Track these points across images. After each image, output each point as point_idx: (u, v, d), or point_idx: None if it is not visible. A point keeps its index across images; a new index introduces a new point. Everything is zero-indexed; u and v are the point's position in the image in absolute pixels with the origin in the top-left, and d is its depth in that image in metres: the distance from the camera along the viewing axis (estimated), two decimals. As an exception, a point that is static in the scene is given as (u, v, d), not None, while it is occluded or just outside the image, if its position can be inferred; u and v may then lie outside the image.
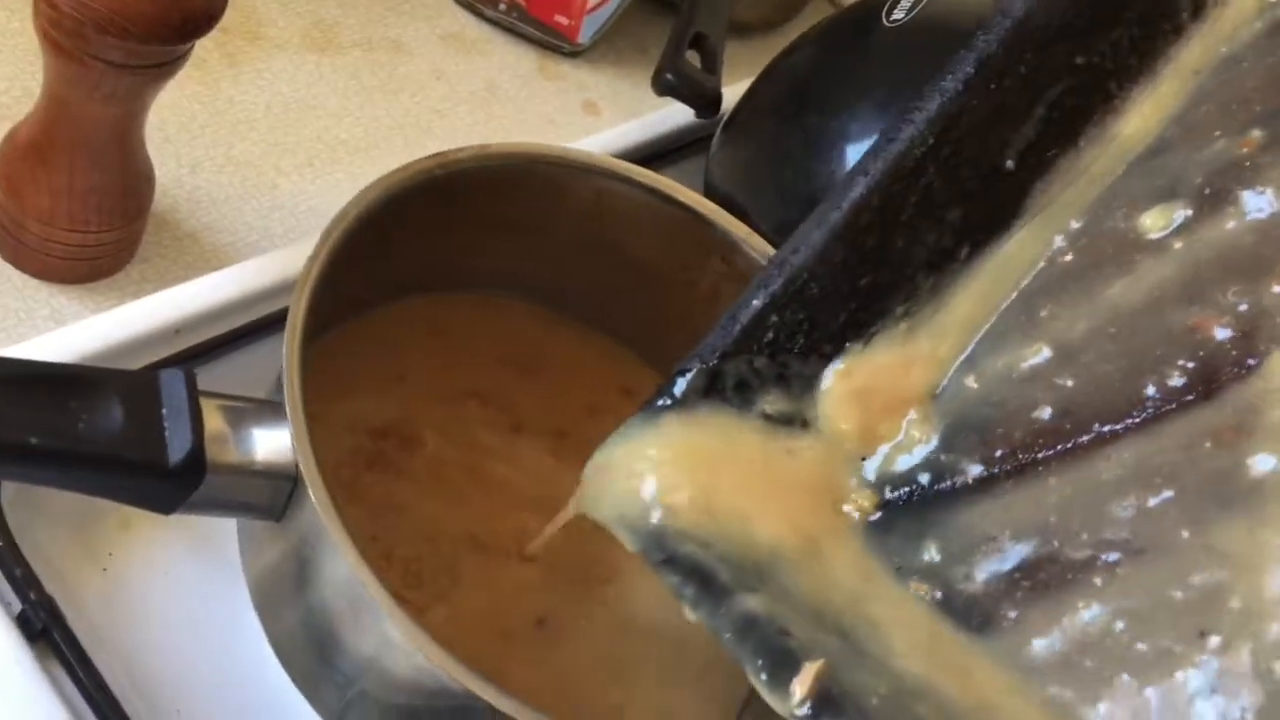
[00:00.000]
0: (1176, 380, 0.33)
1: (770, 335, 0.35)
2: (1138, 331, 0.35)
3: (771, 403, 0.36)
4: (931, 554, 0.34)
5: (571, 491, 0.42)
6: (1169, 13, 0.36)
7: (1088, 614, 0.32)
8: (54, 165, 0.45)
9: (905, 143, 0.35)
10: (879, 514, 0.35)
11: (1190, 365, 0.33)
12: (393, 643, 0.34)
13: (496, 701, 0.32)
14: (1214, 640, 0.30)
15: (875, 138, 0.49)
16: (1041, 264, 0.36)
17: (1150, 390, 0.34)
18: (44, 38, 0.41)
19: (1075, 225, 0.36)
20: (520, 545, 0.43)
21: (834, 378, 0.36)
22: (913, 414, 0.36)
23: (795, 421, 0.36)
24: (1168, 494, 0.32)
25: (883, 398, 0.36)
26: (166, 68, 0.42)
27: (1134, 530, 0.32)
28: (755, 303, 0.36)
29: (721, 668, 0.44)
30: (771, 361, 0.36)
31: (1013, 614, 0.33)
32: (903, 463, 0.36)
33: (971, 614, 0.33)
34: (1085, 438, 0.34)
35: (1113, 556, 0.32)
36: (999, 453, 0.35)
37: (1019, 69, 0.35)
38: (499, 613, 0.42)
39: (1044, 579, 0.33)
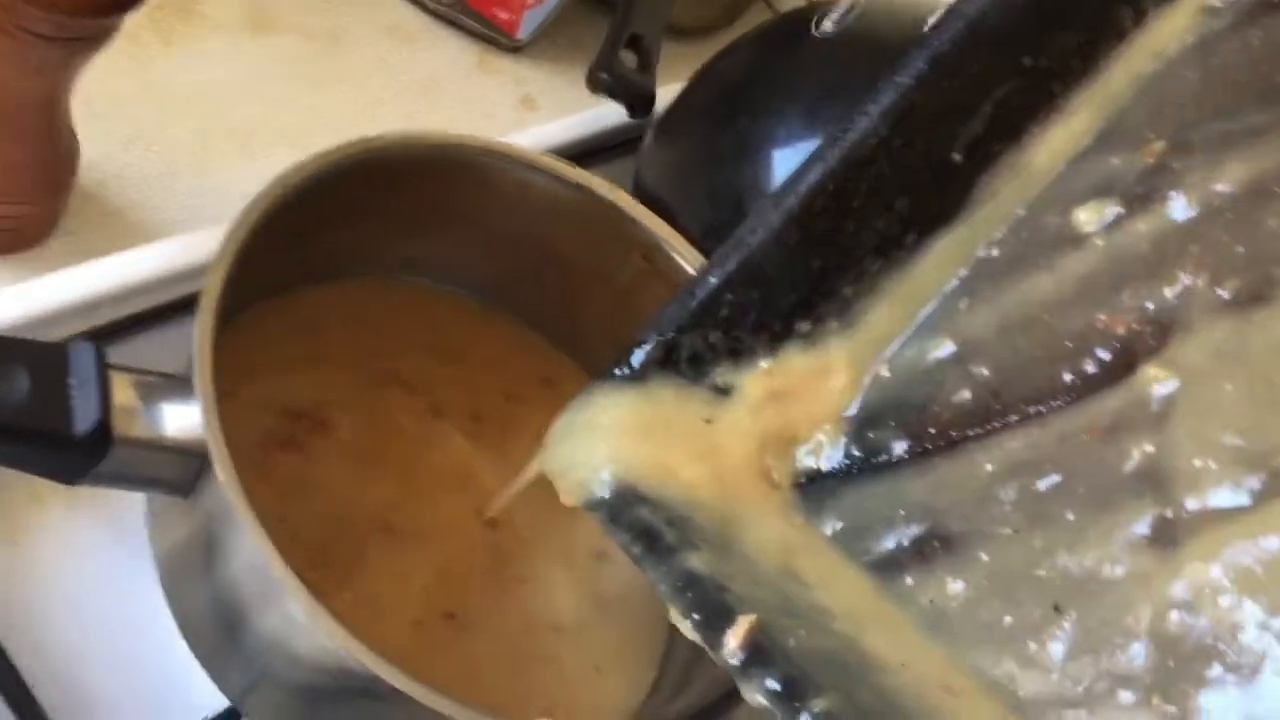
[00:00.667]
0: (1070, 376, 0.35)
1: (725, 311, 0.37)
2: (1045, 326, 0.37)
3: (722, 375, 0.37)
4: (842, 524, 0.37)
5: (489, 472, 0.43)
6: (1113, 20, 0.38)
7: (959, 584, 0.35)
8: (-24, 135, 0.45)
9: (860, 133, 0.37)
10: (806, 485, 0.37)
11: (1089, 362, 0.35)
12: (296, 622, 0.34)
13: (396, 681, 0.32)
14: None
15: (801, 144, 0.51)
16: (971, 263, 0.38)
17: (1046, 384, 0.36)
18: (-32, 8, 0.41)
19: (1012, 220, 0.38)
20: (432, 530, 0.43)
21: (758, 377, 0.37)
22: (825, 422, 0.38)
23: (743, 394, 0.38)
24: (1054, 479, 0.35)
25: (798, 402, 0.38)
26: (93, 41, 0.42)
27: (1016, 512, 0.35)
28: (712, 280, 0.37)
29: (627, 663, 0.45)
30: (725, 336, 0.37)
31: (909, 580, 0.36)
32: (815, 458, 0.38)
33: (889, 576, 0.36)
34: (986, 426, 0.36)
35: (996, 532, 0.35)
36: (905, 439, 0.37)
37: (970, 68, 0.37)
38: (406, 601, 0.42)
39: (930, 552, 0.35)
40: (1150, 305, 0.35)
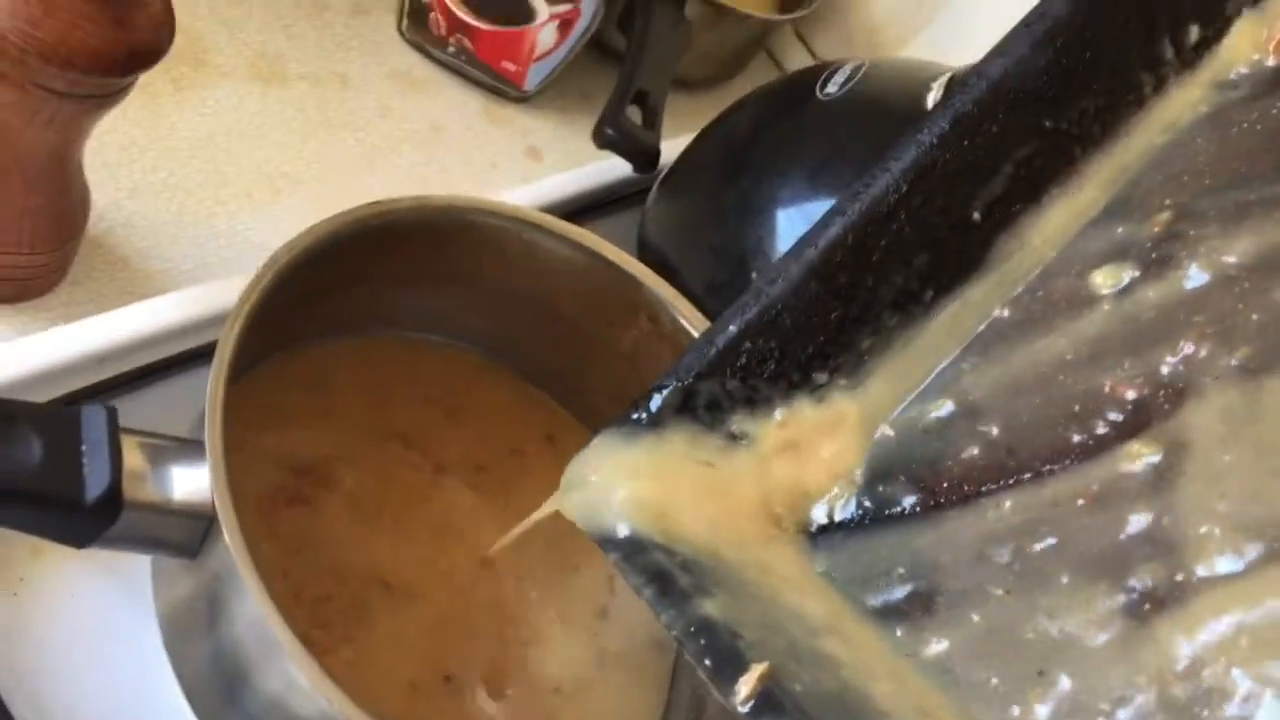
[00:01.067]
0: (1080, 437, 0.36)
1: (743, 360, 0.38)
2: (1058, 386, 0.37)
3: (739, 422, 0.38)
4: (851, 573, 0.37)
5: (490, 528, 0.44)
6: (1133, 87, 0.39)
7: (952, 641, 0.35)
8: (-11, 187, 0.45)
9: (881, 189, 0.38)
10: (818, 533, 0.38)
11: (1100, 424, 0.36)
12: (297, 685, 0.34)
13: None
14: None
15: (804, 205, 0.52)
16: (988, 321, 0.39)
17: (1057, 445, 0.36)
18: (-14, 63, 0.41)
19: (1029, 280, 0.39)
20: (432, 589, 0.44)
21: (771, 428, 0.38)
22: (838, 474, 0.38)
23: (758, 442, 0.38)
24: (1049, 541, 0.35)
25: (812, 455, 0.38)
26: (109, 98, 0.43)
27: (1009, 573, 0.35)
28: (732, 328, 0.38)
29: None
30: (743, 384, 0.38)
31: (914, 631, 0.36)
32: (828, 509, 0.38)
33: (895, 626, 0.36)
34: (997, 483, 0.37)
35: (990, 591, 0.35)
36: (916, 493, 0.38)
37: (991, 128, 0.38)
38: (406, 661, 0.42)
39: (932, 606, 0.36)
40: (1164, 369, 0.36)
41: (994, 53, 0.38)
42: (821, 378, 0.38)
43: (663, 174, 0.59)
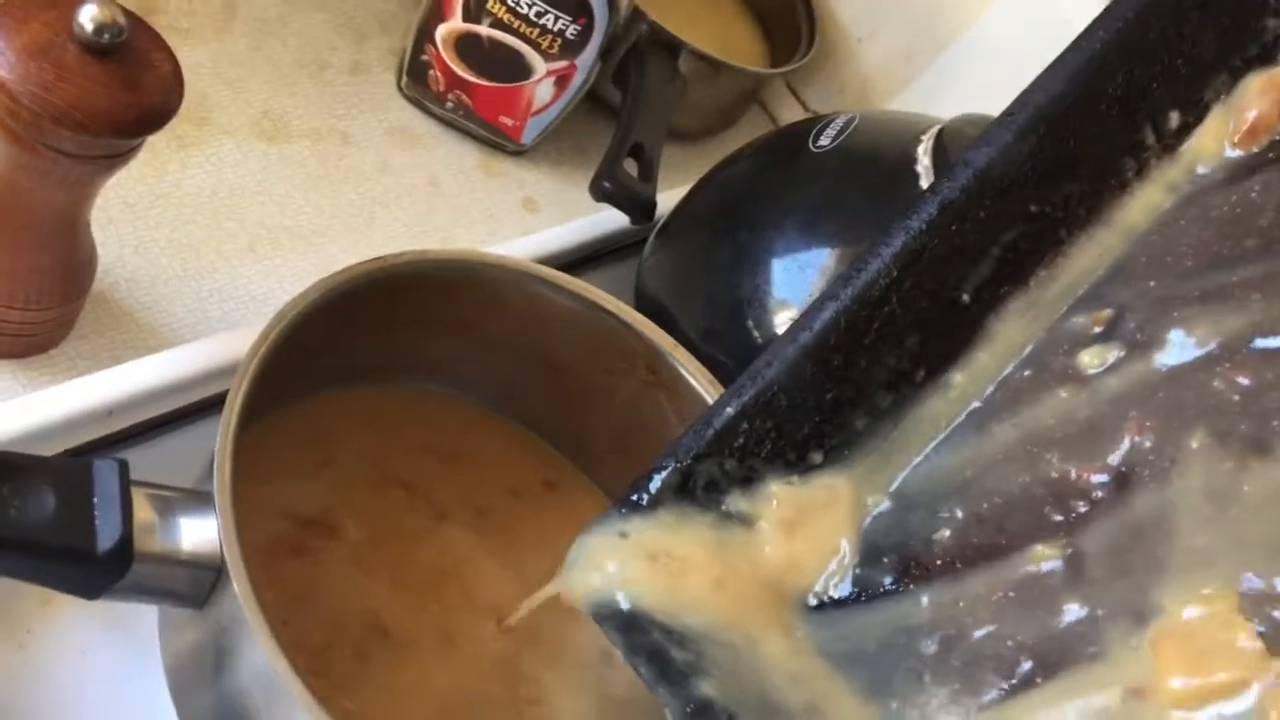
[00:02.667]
0: (1060, 517, 0.36)
1: (740, 440, 0.39)
2: (1043, 465, 0.38)
3: (736, 503, 0.39)
4: (844, 650, 0.38)
5: (489, 572, 0.45)
6: (1116, 171, 0.40)
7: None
8: (-1, 244, 0.46)
9: (872, 274, 0.39)
10: (813, 611, 0.39)
11: (1082, 503, 0.37)
12: (306, 734, 0.35)
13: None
14: None
15: (798, 255, 0.53)
16: (972, 405, 0.39)
17: (1011, 530, 0.37)
18: (-1, 125, 0.43)
19: (1017, 360, 0.40)
20: (430, 642, 0.44)
21: (767, 508, 0.39)
22: (833, 551, 0.39)
23: (753, 521, 0.39)
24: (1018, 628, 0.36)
25: (806, 534, 0.39)
26: (119, 159, 0.44)
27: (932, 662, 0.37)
28: (729, 410, 0.39)
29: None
30: (740, 464, 0.39)
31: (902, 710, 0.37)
32: (821, 588, 0.39)
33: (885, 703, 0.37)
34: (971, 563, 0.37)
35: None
36: (900, 573, 0.38)
37: (978, 213, 0.39)
38: (403, 715, 0.42)
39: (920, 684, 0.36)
40: (1148, 445, 0.36)
41: (979, 141, 0.39)
42: (817, 457, 0.39)
43: (659, 225, 0.60)
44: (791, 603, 0.38)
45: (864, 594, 0.38)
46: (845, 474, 0.39)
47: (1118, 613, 0.35)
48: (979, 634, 0.37)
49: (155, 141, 0.59)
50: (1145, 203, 0.40)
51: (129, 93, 0.41)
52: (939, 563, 0.38)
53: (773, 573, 0.38)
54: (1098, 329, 0.38)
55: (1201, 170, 0.40)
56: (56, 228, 0.46)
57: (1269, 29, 0.40)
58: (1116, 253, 0.40)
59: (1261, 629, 0.33)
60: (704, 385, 0.47)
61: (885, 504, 0.39)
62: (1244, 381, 0.36)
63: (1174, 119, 0.40)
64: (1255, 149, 0.40)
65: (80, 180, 0.45)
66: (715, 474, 0.38)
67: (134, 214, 0.56)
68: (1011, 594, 0.36)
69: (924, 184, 0.51)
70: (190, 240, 0.57)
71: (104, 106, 0.41)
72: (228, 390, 0.38)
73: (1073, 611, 0.36)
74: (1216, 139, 0.40)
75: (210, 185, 0.59)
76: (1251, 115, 0.39)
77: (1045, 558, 0.37)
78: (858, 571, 0.39)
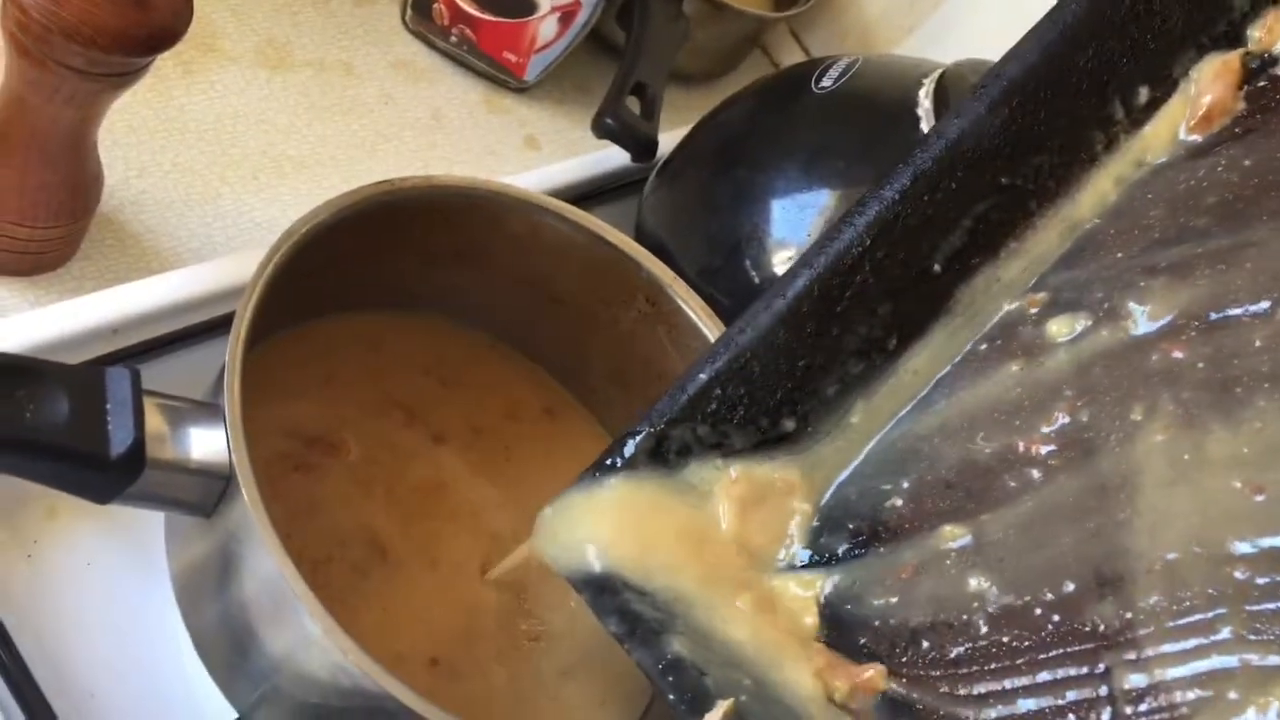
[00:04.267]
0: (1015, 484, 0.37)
1: (713, 406, 0.39)
2: (1009, 430, 0.39)
3: (704, 469, 0.40)
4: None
5: (484, 499, 0.46)
6: (1085, 144, 0.41)
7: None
8: (7, 161, 0.46)
9: (845, 243, 0.40)
10: (779, 573, 0.40)
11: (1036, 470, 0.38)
12: (310, 640, 0.36)
13: (409, 701, 0.34)
14: None
15: (797, 195, 0.53)
16: (946, 370, 0.40)
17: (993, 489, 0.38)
18: (9, 39, 0.43)
19: (986, 330, 0.40)
20: (429, 555, 0.45)
21: (723, 483, 0.40)
22: (785, 534, 0.40)
23: (711, 495, 0.40)
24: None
25: (761, 511, 0.40)
26: (127, 78, 0.44)
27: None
28: (702, 376, 0.40)
29: (628, 687, 0.46)
30: (712, 430, 0.39)
31: None
32: (785, 554, 0.40)
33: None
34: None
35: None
36: (860, 539, 0.40)
37: (950, 184, 0.40)
38: (395, 634, 0.43)
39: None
40: (1109, 415, 0.37)
41: (952, 113, 0.40)
42: (789, 424, 0.40)
43: (660, 164, 0.60)
44: (759, 565, 0.39)
45: (825, 559, 0.39)
46: (803, 457, 0.40)
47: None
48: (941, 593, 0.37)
49: (161, 66, 0.59)
50: (1114, 176, 0.41)
51: (138, 11, 0.42)
52: (904, 527, 0.39)
53: (739, 538, 0.39)
54: (1034, 311, 0.39)
55: (1155, 158, 0.40)
56: (64, 145, 0.47)
57: (1236, 6, 0.41)
58: (1086, 225, 0.40)
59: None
60: (702, 319, 0.47)
61: (844, 477, 0.40)
62: (1207, 350, 0.36)
63: (1143, 94, 0.41)
64: (1211, 134, 0.40)
65: (88, 98, 0.45)
66: (688, 439, 0.39)
67: (139, 138, 0.57)
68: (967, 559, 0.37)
69: (924, 127, 0.51)
70: (194, 165, 0.57)
71: (113, 23, 0.41)
72: (232, 312, 0.39)
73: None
74: (1168, 131, 0.41)
75: (215, 112, 0.60)
76: (1206, 100, 0.40)
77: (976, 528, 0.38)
78: (814, 540, 0.40)
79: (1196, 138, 0.40)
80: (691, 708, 0.35)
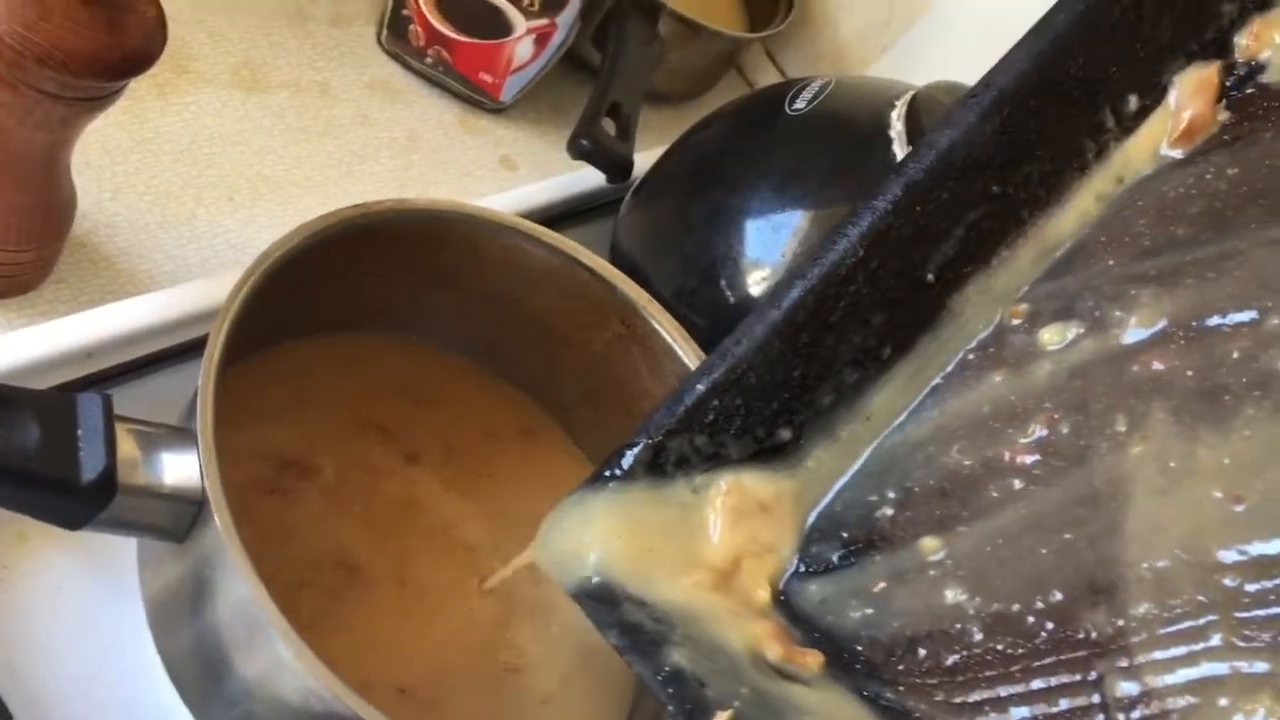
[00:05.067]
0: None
1: (711, 417, 0.40)
2: (1001, 440, 0.39)
3: (703, 480, 0.40)
4: (807, 622, 0.39)
5: (460, 517, 0.46)
6: (1076, 153, 0.41)
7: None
8: (-21, 184, 0.46)
9: (839, 254, 0.40)
10: (779, 583, 0.40)
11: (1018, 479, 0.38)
12: (284, 665, 0.35)
13: (380, 725, 0.34)
14: None
15: (771, 216, 0.54)
16: (940, 378, 0.41)
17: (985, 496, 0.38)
18: (-19, 63, 0.43)
19: (980, 338, 0.41)
20: (402, 576, 0.45)
21: (718, 493, 0.40)
22: (786, 534, 0.40)
23: (705, 506, 0.40)
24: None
25: (755, 521, 0.40)
26: (101, 101, 0.44)
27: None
28: (699, 387, 0.40)
29: (609, 708, 0.46)
30: (710, 440, 0.40)
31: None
32: (779, 564, 0.40)
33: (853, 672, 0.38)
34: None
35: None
36: (853, 549, 0.40)
37: (941, 194, 0.40)
38: (364, 660, 0.43)
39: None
40: (1101, 423, 0.37)
41: (943, 123, 0.40)
42: (785, 434, 0.40)
43: (635, 185, 0.61)
44: (756, 576, 0.39)
45: (817, 569, 0.39)
46: (798, 468, 0.40)
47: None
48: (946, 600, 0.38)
49: (135, 88, 0.59)
50: (1105, 183, 0.41)
51: (112, 35, 0.42)
52: (897, 536, 0.39)
53: (736, 548, 0.39)
54: (1016, 321, 0.40)
55: (1136, 174, 0.41)
56: (37, 169, 0.47)
57: (1225, 13, 0.41)
58: (1075, 232, 0.41)
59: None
60: (677, 341, 0.48)
61: (839, 487, 0.40)
62: (1197, 358, 0.37)
63: (1133, 102, 0.41)
64: (1192, 148, 0.40)
65: (61, 122, 0.45)
66: (686, 450, 0.39)
67: (113, 160, 0.57)
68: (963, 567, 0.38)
69: (897, 149, 0.51)
70: (169, 188, 0.57)
71: (87, 48, 0.41)
72: (206, 335, 0.39)
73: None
74: (1149, 146, 0.41)
75: (189, 133, 0.59)
76: (1187, 115, 0.40)
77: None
78: (812, 549, 0.40)
79: (1178, 153, 0.41)
80: (692, 718, 0.35)
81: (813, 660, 0.37)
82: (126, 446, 0.35)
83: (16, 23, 0.40)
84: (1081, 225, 0.41)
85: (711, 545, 0.39)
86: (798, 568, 0.40)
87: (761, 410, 0.40)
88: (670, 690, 0.36)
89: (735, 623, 0.38)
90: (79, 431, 0.34)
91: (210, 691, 0.39)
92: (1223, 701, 0.32)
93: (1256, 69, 0.41)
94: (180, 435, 0.37)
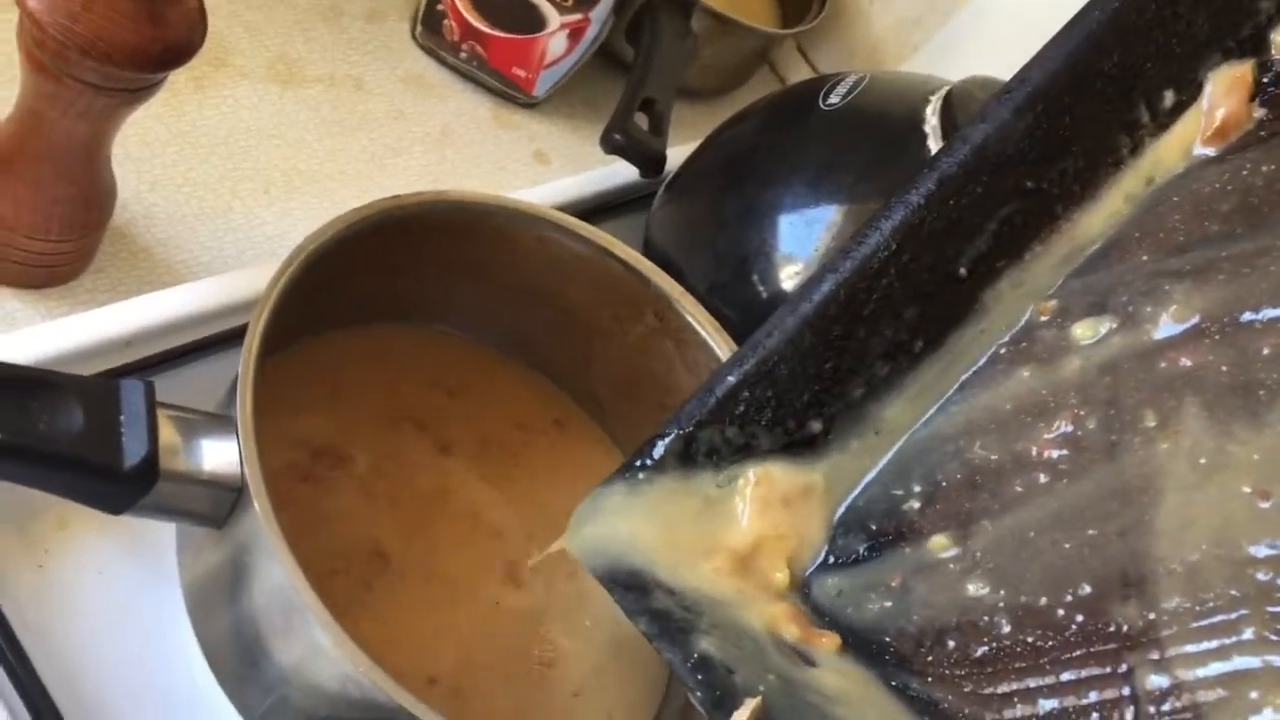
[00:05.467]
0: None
1: (741, 408, 0.40)
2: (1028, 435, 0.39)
3: (734, 470, 0.40)
4: (835, 612, 0.39)
5: (492, 508, 0.46)
6: (1111, 148, 0.41)
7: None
8: (21, 175, 0.47)
9: (871, 247, 0.40)
10: (807, 574, 0.40)
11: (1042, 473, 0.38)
12: (321, 651, 0.36)
13: (424, 715, 0.34)
14: None
15: (805, 211, 0.54)
16: (969, 373, 0.41)
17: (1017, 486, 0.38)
18: (26, 55, 0.43)
19: (1012, 333, 0.41)
20: (433, 566, 0.45)
21: (748, 487, 0.40)
22: (812, 527, 0.40)
23: (735, 496, 0.40)
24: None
25: (783, 512, 0.40)
26: (142, 93, 0.44)
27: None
28: (730, 378, 0.40)
29: (637, 707, 0.47)
30: (740, 431, 0.40)
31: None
32: (808, 555, 0.41)
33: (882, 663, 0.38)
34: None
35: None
36: (881, 541, 0.40)
37: (975, 189, 0.40)
38: (394, 649, 0.43)
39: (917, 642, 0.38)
40: (1133, 418, 0.37)
41: (977, 118, 0.40)
42: (816, 425, 0.40)
43: (668, 179, 0.61)
44: (784, 567, 0.40)
45: (846, 560, 0.40)
46: (828, 460, 0.40)
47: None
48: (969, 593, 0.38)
49: (174, 81, 0.60)
50: (1140, 179, 0.41)
51: (154, 27, 0.42)
52: (925, 529, 0.39)
53: (765, 538, 0.40)
54: (1046, 317, 0.40)
55: (1169, 173, 0.40)
56: (78, 159, 0.47)
57: (1262, 10, 0.41)
58: (1109, 228, 0.41)
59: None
60: (711, 334, 0.48)
61: (868, 480, 0.40)
62: (1230, 354, 0.36)
63: (1168, 98, 0.41)
64: (1225, 146, 0.40)
65: (103, 113, 0.45)
66: (717, 441, 0.40)
67: (151, 152, 0.57)
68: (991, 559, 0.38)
69: (931, 144, 0.51)
70: (206, 180, 0.58)
71: (129, 39, 0.42)
72: (242, 325, 0.39)
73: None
74: (1180, 147, 0.41)
75: (226, 126, 0.60)
76: (1220, 114, 0.40)
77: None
78: (839, 541, 0.40)
79: (1211, 151, 0.40)
80: (719, 705, 0.36)
81: (829, 641, 0.38)
82: (167, 433, 0.36)
83: (60, 14, 0.41)
84: (1113, 223, 0.41)
85: (740, 534, 0.39)
86: (825, 559, 0.40)
87: (792, 402, 0.40)
88: (699, 677, 0.36)
89: (756, 607, 0.38)
90: (121, 417, 0.35)
91: (247, 677, 0.39)
92: (1253, 695, 0.32)
93: None
94: (220, 422, 0.37)
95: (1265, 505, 0.34)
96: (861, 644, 0.38)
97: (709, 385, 0.40)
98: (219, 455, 0.37)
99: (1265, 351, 0.36)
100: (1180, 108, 0.41)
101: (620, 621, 0.47)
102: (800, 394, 0.40)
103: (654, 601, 0.37)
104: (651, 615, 0.37)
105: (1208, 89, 0.41)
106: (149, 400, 0.35)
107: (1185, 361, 0.37)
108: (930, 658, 0.37)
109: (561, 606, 0.47)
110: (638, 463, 0.39)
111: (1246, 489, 0.34)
